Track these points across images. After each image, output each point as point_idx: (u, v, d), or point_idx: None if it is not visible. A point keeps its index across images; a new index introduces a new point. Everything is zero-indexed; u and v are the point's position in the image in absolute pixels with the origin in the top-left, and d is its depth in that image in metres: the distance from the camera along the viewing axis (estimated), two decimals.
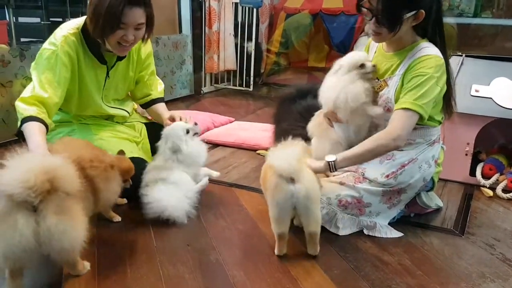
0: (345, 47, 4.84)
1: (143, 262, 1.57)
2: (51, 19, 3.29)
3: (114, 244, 1.68)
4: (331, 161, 1.64)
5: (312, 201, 1.52)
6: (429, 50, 1.69)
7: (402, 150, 1.80)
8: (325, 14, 4.83)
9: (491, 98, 2.26)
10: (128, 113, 2.19)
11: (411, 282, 1.49)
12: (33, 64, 1.84)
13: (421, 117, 1.66)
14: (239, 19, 4.91)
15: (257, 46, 4.91)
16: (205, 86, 4.83)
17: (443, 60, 1.68)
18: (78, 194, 1.37)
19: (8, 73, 2.78)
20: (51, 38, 1.85)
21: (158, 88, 2.25)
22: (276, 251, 1.61)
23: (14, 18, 3.14)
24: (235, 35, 4.80)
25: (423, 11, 1.63)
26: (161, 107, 2.23)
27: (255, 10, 4.75)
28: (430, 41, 1.73)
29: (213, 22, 4.56)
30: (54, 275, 1.47)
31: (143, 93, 2.21)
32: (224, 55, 4.74)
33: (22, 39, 3.19)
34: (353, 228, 1.80)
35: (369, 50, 1.96)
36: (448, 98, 1.80)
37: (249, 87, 4.84)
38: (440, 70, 1.67)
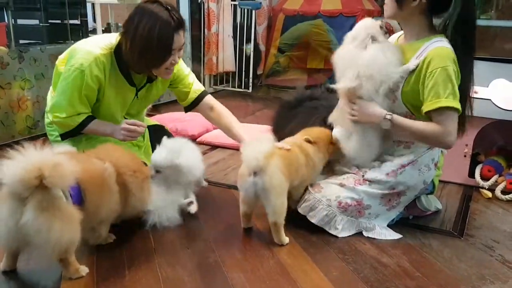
0: None
1: (142, 264, 1.56)
2: (50, 21, 3.28)
3: (112, 246, 1.67)
4: (388, 115, 1.71)
5: (271, 193, 1.64)
6: (442, 43, 1.69)
7: (401, 155, 1.80)
8: (324, 16, 4.83)
9: (490, 99, 2.26)
10: None
11: (410, 284, 1.49)
12: (61, 80, 1.85)
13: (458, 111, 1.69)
14: (238, 21, 4.92)
15: (256, 47, 4.91)
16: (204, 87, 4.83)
17: (455, 56, 1.68)
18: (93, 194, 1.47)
19: (6, 75, 2.77)
20: (81, 54, 1.81)
21: (198, 86, 2.21)
22: (242, 225, 1.81)
23: (13, 20, 3.13)
24: (234, 37, 4.80)
25: None
26: (235, 124, 2.22)
27: (253, 12, 4.75)
28: (451, 41, 1.71)
29: (212, 24, 4.56)
30: (53, 276, 1.47)
31: (182, 94, 2.17)
32: (223, 57, 4.74)
33: (21, 41, 3.19)
34: (352, 230, 1.79)
35: None
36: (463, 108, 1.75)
37: (248, 89, 4.85)
38: (455, 65, 1.67)
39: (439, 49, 1.67)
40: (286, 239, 1.70)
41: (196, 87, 2.18)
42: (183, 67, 2.14)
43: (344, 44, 1.82)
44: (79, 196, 1.44)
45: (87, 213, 1.44)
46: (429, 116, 1.70)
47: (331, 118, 1.93)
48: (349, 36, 1.81)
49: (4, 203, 1.32)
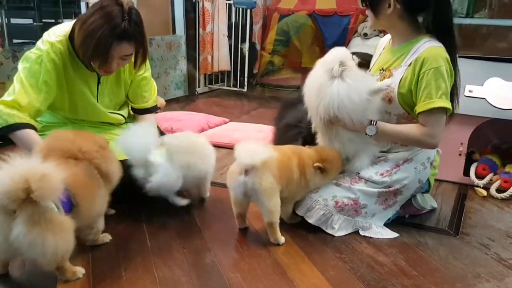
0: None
1: (138, 264, 1.56)
2: (43, 20, 3.27)
3: (108, 246, 1.66)
4: (373, 121, 1.73)
5: (263, 194, 1.62)
6: (433, 43, 1.71)
7: (397, 152, 1.81)
8: (319, 15, 4.84)
9: (484, 98, 2.27)
10: (125, 118, 2.17)
11: (406, 283, 1.49)
12: (19, 67, 1.82)
13: (447, 111, 1.70)
14: (233, 20, 4.91)
15: (251, 47, 4.91)
16: (199, 87, 4.83)
17: (447, 55, 1.70)
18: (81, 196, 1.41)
19: (0, 75, 2.75)
20: (38, 43, 1.83)
21: (151, 94, 2.19)
22: (237, 225, 1.81)
23: (6, 19, 3.11)
24: (229, 36, 4.79)
25: None
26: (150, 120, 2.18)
27: (248, 11, 4.75)
28: (438, 39, 1.73)
29: (207, 23, 4.55)
30: (49, 278, 1.45)
31: (136, 93, 2.14)
32: (218, 56, 4.73)
33: (15, 41, 3.17)
34: (349, 229, 1.79)
35: (376, 50, 2.00)
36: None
37: (243, 88, 4.84)
38: (449, 64, 1.69)
39: (431, 49, 1.68)
40: (282, 239, 1.70)
41: (155, 98, 2.21)
42: (148, 67, 2.12)
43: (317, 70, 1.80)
44: (69, 202, 1.39)
45: (81, 215, 1.42)
46: (418, 116, 1.72)
47: (314, 126, 1.89)
48: (321, 62, 1.79)
49: None
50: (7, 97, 1.77)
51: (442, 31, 1.73)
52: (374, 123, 1.73)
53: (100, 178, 1.55)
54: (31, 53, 1.81)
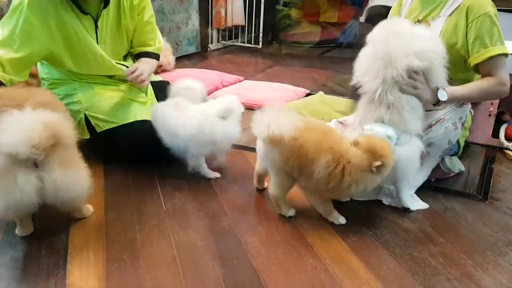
0: (360, 1, 4.62)
1: (153, 227, 1.51)
2: None
3: (122, 208, 1.61)
4: (441, 86, 1.54)
5: (268, 167, 1.57)
6: None
7: (430, 110, 1.69)
8: None
9: None
10: None
11: (433, 250, 1.42)
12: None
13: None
14: None
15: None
16: (212, 43, 4.66)
17: None
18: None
19: None
20: None
21: (157, 43, 2.09)
22: (254, 182, 1.78)
23: None
24: None
25: None
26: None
27: None
28: None
29: None
30: (61, 240, 1.42)
31: (140, 41, 2.05)
32: (232, 9, 4.54)
33: None
34: (372, 195, 1.70)
35: (402, 5, 1.85)
36: None
37: (258, 44, 4.67)
38: (494, 7, 1.59)
39: None
40: (288, 212, 1.58)
41: (158, 45, 2.11)
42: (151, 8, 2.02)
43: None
44: None
45: None
46: (477, 68, 1.61)
47: (359, 119, 1.62)
48: None
49: (11, 174, 1.23)
50: None
51: None
52: (443, 88, 1.55)
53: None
54: (15, 0, 1.70)
